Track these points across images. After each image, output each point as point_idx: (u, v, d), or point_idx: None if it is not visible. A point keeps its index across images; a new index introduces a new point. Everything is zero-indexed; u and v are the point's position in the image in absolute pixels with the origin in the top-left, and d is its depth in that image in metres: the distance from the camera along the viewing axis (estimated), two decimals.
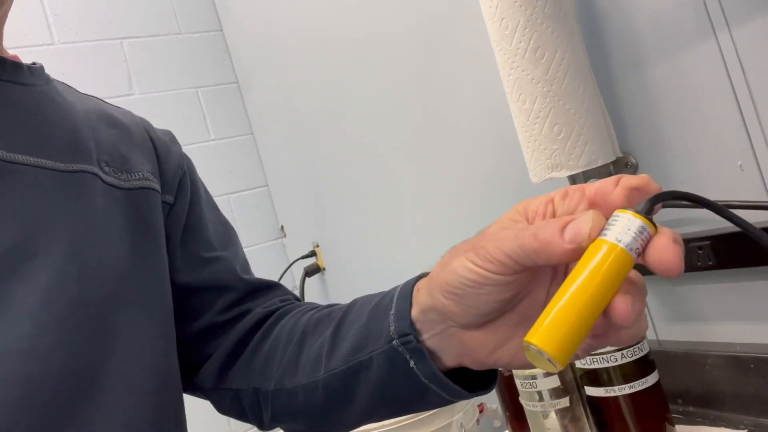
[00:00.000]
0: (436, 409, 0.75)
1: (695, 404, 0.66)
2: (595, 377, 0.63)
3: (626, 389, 0.61)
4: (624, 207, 0.29)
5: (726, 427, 0.62)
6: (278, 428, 0.53)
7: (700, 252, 0.62)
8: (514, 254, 0.31)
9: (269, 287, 0.59)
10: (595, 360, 0.62)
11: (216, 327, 0.55)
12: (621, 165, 0.69)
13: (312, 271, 1.61)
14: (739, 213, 0.33)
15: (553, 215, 0.33)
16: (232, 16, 1.75)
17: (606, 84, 0.69)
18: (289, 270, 1.67)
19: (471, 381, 0.41)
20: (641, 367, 0.61)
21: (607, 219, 0.29)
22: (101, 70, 1.64)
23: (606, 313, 0.28)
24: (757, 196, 0.58)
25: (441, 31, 0.93)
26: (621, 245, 0.28)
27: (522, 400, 0.70)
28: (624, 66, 0.67)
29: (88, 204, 0.46)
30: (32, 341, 0.39)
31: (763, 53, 0.56)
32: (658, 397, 0.62)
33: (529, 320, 0.29)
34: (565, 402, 0.66)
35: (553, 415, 0.67)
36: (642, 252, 0.28)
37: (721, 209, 0.32)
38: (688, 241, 0.63)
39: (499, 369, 0.48)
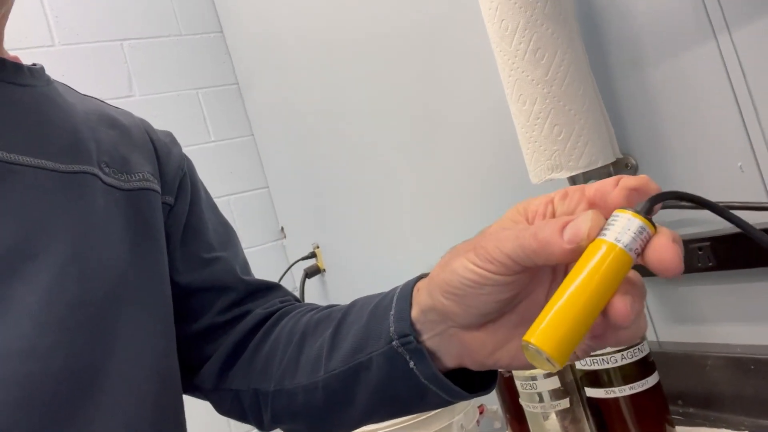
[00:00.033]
0: (436, 410, 0.75)
1: (695, 405, 0.66)
2: (596, 378, 0.63)
3: (626, 390, 0.61)
4: (623, 207, 0.29)
5: (726, 428, 0.61)
6: (278, 429, 0.53)
7: (700, 253, 0.62)
8: (514, 254, 0.31)
9: (269, 288, 0.59)
10: (595, 361, 0.62)
11: (216, 328, 0.55)
12: (621, 166, 0.69)
13: (312, 272, 1.61)
14: (739, 214, 0.33)
15: (553, 215, 0.33)
16: (233, 18, 1.75)
17: (606, 85, 0.69)
18: (289, 271, 1.67)
19: (471, 382, 0.41)
20: (641, 368, 0.61)
21: (607, 219, 0.29)
22: (101, 71, 1.65)
23: (605, 313, 0.28)
24: (757, 197, 0.58)
25: (441, 31, 0.93)
26: (620, 245, 0.28)
27: (522, 402, 0.70)
28: (624, 67, 0.67)
29: (89, 205, 0.46)
30: (32, 341, 0.39)
31: (763, 53, 0.56)
32: (659, 398, 0.62)
33: (528, 321, 0.29)
34: (565, 403, 0.66)
35: (553, 416, 0.67)
36: (641, 252, 0.28)
37: (721, 210, 0.32)
38: (688, 242, 0.63)
39: (499, 370, 0.48)
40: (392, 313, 0.40)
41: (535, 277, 0.34)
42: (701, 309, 0.67)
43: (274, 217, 1.84)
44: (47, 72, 0.52)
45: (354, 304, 0.47)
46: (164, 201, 0.55)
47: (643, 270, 0.30)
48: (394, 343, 0.39)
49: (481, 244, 0.32)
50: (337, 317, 0.46)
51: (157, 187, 0.54)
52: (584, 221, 0.29)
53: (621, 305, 0.28)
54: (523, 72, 0.64)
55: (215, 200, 0.64)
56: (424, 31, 0.96)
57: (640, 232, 0.28)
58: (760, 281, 0.61)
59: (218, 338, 0.55)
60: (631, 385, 0.61)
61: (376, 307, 0.42)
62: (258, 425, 0.54)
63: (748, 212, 0.55)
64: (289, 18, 1.38)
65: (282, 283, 0.62)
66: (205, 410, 0.58)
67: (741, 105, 0.58)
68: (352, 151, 1.29)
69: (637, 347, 0.61)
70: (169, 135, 0.61)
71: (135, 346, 0.45)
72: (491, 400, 0.85)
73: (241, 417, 0.55)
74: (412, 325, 0.38)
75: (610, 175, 0.69)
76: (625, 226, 0.28)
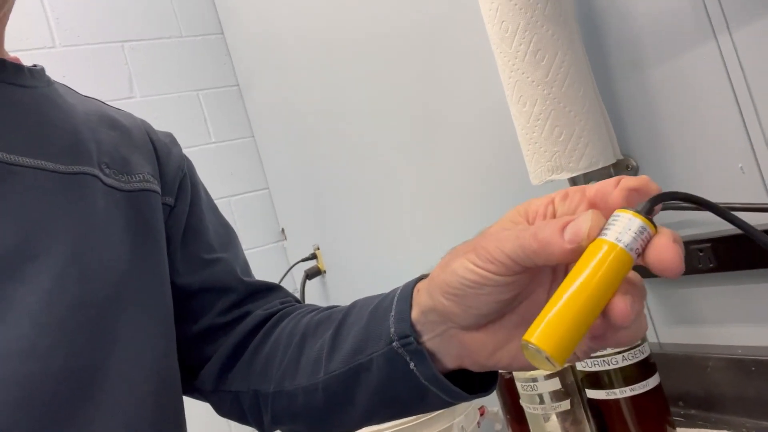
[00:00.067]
0: (437, 412, 0.75)
1: (696, 407, 0.66)
2: (596, 380, 0.63)
3: (627, 392, 0.61)
4: (624, 207, 0.29)
5: (727, 430, 0.61)
6: (278, 430, 0.53)
7: (700, 254, 0.62)
8: (514, 255, 0.31)
9: (269, 289, 0.59)
10: (596, 363, 0.62)
11: (216, 329, 0.55)
12: (622, 167, 0.69)
13: (313, 273, 1.61)
14: (740, 215, 0.33)
15: (554, 216, 0.33)
16: (233, 19, 1.76)
17: (606, 86, 0.69)
18: (289, 273, 1.67)
19: (471, 383, 0.41)
20: (642, 369, 0.61)
21: (607, 220, 0.29)
22: (102, 72, 1.65)
23: (605, 313, 0.28)
24: (758, 198, 0.58)
25: (441, 31, 0.93)
26: (621, 245, 0.28)
27: (523, 403, 0.70)
28: (624, 68, 0.67)
29: (89, 206, 0.46)
30: (32, 342, 0.39)
31: (764, 54, 0.56)
32: (660, 399, 0.62)
33: (529, 322, 0.29)
34: (566, 405, 0.66)
35: (554, 417, 0.67)
36: (642, 252, 0.28)
37: (722, 211, 0.32)
38: (688, 244, 0.63)
39: (500, 371, 0.48)
40: (392, 314, 0.39)
41: (535, 277, 0.34)
42: (702, 310, 0.67)
43: (274, 219, 1.84)
44: (48, 73, 0.52)
45: (354, 305, 0.47)
46: (164, 202, 0.55)
47: (644, 271, 0.30)
48: (394, 344, 0.39)
49: (482, 244, 0.32)
50: (337, 318, 0.46)
51: (158, 188, 0.54)
52: (584, 221, 0.29)
53: (621, 305, 0.27)
54: (523, 73, 0.64)
55: (216, 201, 0.63)
56: (424, 31, 0.96)
57: (641, 232, 0.28)
58: (761, 282, 0.61)
59: (218, 339, 0.55)
60: (632, 386, 0.61)
61: (377, 308, 0.42)
62: (258, 427, 0.54)
63: (749, 213, 0.55)
64: (290, 19, 1.39)
65: (282, 284, 0.62)
66: (205, 410, 0.58)
67: (741, 106, 0.58)
68: (353, 152, 1.29)
69: (637, 348, 0.61)
70: (170, 136, 0.61)
71: (135, 346, 0.45)
72: (492, 402, 0.85)
73: (241, 418, 0.55)
74: (412, 326, 0.38)
75: (610, 177, 0.69)
76: (625, 225, 0.28)
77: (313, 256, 1.63)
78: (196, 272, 0.55)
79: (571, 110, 0.64)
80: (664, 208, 0.30)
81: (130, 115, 0.59)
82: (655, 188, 0.30)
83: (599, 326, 0.29)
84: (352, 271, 1.46)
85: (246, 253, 0.63)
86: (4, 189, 0.42)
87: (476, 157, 0.92)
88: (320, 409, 0.46)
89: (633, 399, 0.61)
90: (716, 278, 0.64)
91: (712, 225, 0.62)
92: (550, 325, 0.27)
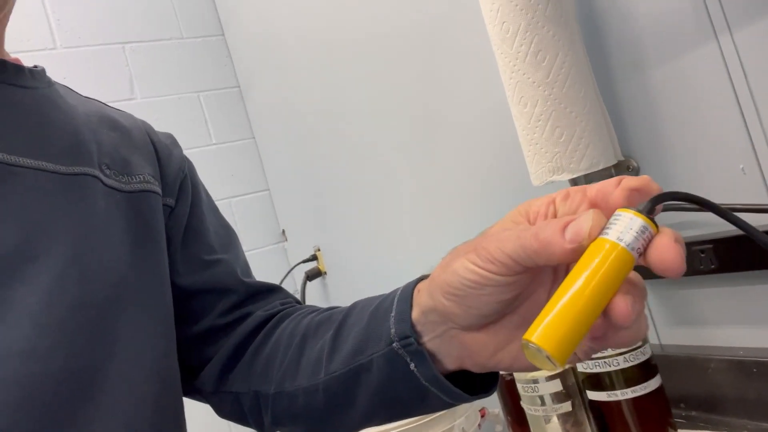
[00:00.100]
0: (438, 413, 0.75)
1: (698, 409, 0.66)
2: (598, 381, 0.63)
3: (629, 393, 0.61)
4: (625, 207, 0.29)
5: (729, 431, 0.61)
6: (278, 431, 0.53)
7: (702, 255, 0.62)
8: (515, 254, 0.31)
9: (270, 290, 0.59)
10: (597, 364, 0.62)
11: (216, 330, 0.55)
12: (623, 168, 0.69)
13: (313, 275, 1.61)
14: (741, 216, 0.32)
15: (555, 216, 0.33)
16: (234, 21, 1.76)
17: (607, 87, 0.69)
18: (290, 274, 1.67)
19: (472, 384, 0.41)
20: (643, 371, 0.61)
21: (609, 219, 0.29)
22: (103, 74, 1.65)
23: (606, 313, 0.28)
24: (759, 199, 0.58)
25: (441, 30, 0.93)
26: (622, 244, 0.28)
27: (524, 405, 0.70)
28: (625, 69, 0.67)
29: (89, 207, 0.46)
30: (32, 342, 0.39)
31: (765, 54, 0.55)
32: (661, 401, 0.62)
33: (530, 323, 0.29)
34: (567, 406, 0.66)
35: (555, 419, 0.67)
36: (643, 252, 0.28)
37: (723, 212, 0.32)
38: (690, 245, 0.62)
39: (501, 373, 0.47)
40: (393, 314, 0.39)
41: (536, 278, 0.34)
42: (703, 312, 0.67)
43: (275, 220, 1.84)
44: (49, 75, 0.52)
45: (355, 306, 0.46)
46: (165, 203, 0.55)
47: (645, 272, 0.30)
48: (394, 344, 0.39)
49: (482, 244, 0.32)
50: (337, 319, 0.46)
51: (158, 189, 0.54)
52: (585, 220, 0.29)
53: (622, 304, 0.27)
54: (524, 74, 0.64)
55: (216, 203, 0.63)
56: (425, 31, 0.96)
57: (643, 232, 0.28)
58: (762, 284, 0.61)
59: (218, 340, 0.54)
60: (634, 388, 0.60)
61: (377, 308, 0.42)
62: (258, 428, 0.53)
63: (751, 214, 0.55)
64: (290, 19, 1.39)
65: (283, 286, 0.62)
66: (205, 411, 0.58)
67: (743, 106, 0.58)
68: (353, 154, 1.29)
69: (639, 350, 0.61)
70: (170, 137, 0.61)
71: (135, 347, 0.45)
72: (493, 403, 0.85)
73: (241, 420, 0.54)
74: (412, 326, 0.38)
75: (611, 178, 0.69)
76: (627, 225, 0.28)
77: (314, 258, 1.62)
78: (196, 273, 0.55)
79: (572, 111, 0.64)
80: (665, 209, 0.30)
81: (131, 116, 0.59)
82: (657, 188, 0.30)
83: (600, 326, 0.29)
84: (353, 272, 1.46)
85: (246, 254, 0.63)
86: (4, 190, 0.42)
87: (476, 158, 0.92)
88: (320, 410, 0.46)
89: (634, 400, 0.61)
90: (718, 279, 0.64)
91: (713, 226, 0.62)
92: (551, 324, 0.27)
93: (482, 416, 0.86)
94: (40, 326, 0.39)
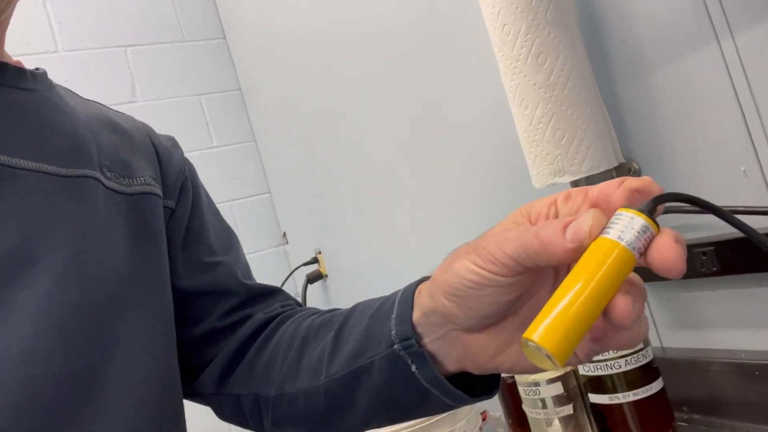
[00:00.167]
0: (439, 416, 0.75)
1: (700, 412, 0.66)
2: (599, 384, 0.62)
3: (630, 396, 0.60)
4: (626, 206, 0.29)
5: None
6: None
7: (704, 258, 0.62)
8: (516, 255, 0.31)
9: (270, 292, 0.59)
10: (599, 367, 0.62)
11: (216, 332, 0.55)
12: (624, 170, 0.69)
13: (314, 277, 1.61)
14: (743, 218, 0.32)
15: (557, 217, 0.33)
16: (236, 24, 1.76)
17: (608, 89, 0.69)
18: (291, 277, 1.67)
19: (473, 386, 0.41)
20: (645, 374, 0.61)
21: (610, 219, 0.29)
22: (105, 77, 1.65)
23: (606, 312, 0.28)
24: (761, 201, 0.58)
25: (441, 30, 0.93)
26: (623, 243, 0.27)
27: (525, 408, 0.69)
28: (626, 71, 0.67)
29: (90, 209, 0.46)
30: (33, 344, 0.39)
31: (766, 56, 0.55)
32: (663, 404, 0.61)
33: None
34: (568, 409, 0.66)
35: (556, 422, 0.66)
36: (644, 252, 0.28)
37: (725, 214, 0.31)
38: (691, 247, 0.62)
39: (502, 375, 0.47)
40: (394, 316, 0.39)
41: (537, 279, 0.34)
42: (705, 314, 0.67)
43: (276, 223, 1.84)
44: (50, 78, 0.52)
45: (355, 307, 0.46)
46: (165, 205, 0.55)
47: (647, 275, 0.30)
48: (395, 346, 0.39)
49: (483, 245, 0.32)
50: (338, 321, 0.46)
51: (159, 191, 0.54)
52: (586, 220, 0.29)
53: (623, 304, 0.27)
54: (525, 76, 0.64)
55: (217, 206, 0.63)
56: (425, 31, 0.96)
57: (644, 231, 0.28)
58: (764, 286, 0.60)
59: (219, 343, 0.54)
60: (635, 391, 0.60)
61: (378, 310, 0.42)
62: (258, 430, 0.53)
63: (752, 217, 0.54)
64: (293, 23, 1.39)
65: (284, 289, 0.62)
66: (206, 412, 0.58)
67: (744, 109, 0.58)
68: (353, 155, 1.29)
69: (640, 353, 0.61)
70: (171, 139, 0.61)
71: (135, 347, 0.45)
72: (494, 407, 0.84)
73: (242, 422, 0.54)
74: (413, 327, 0.38)
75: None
76: (628, 224, 0.28)
77: (315, 260, 1.62)
78: (196, 275, 0.55)
79: (573, 113, 0.64)
80: (666, 211, 0.30)
81: (132, 119, 0.59)
82: (658, 189, 0.30)
83: (600, 327, 0.29)
84: (354, 274, 1.46)
85: (248, 257, 0.63)
86: (5, 192, 0.42)
87: (477, 158, 0.92)
88: (321, 412, 0.46)
89: (636, 403, 0.61)
90: (719, 282, 0.64)
91: (715, 228, 0.62)
92: (551, 323, 0.27)
93: (483, 419, 0.86)
94: (40, 328, 0.39)
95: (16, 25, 0.51)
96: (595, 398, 0.63)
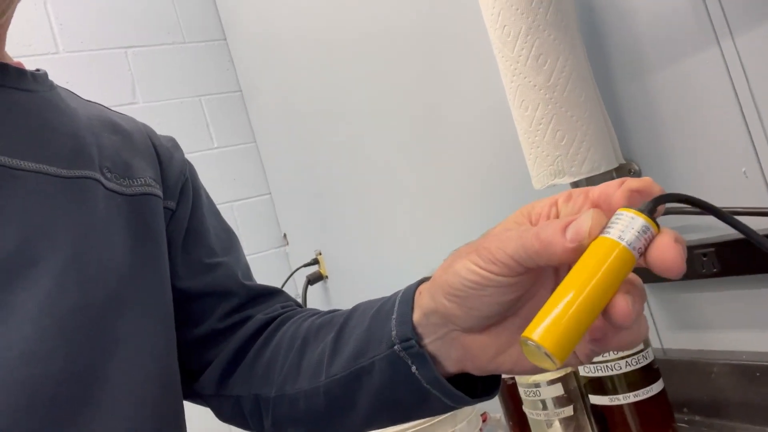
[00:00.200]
0: (439, 417, 0.75)
1: (700, 413, 0.66)
2: (600, 386, 0.62)
3: (631, 398, 0.60)
4: (627, 206, 0.29)
5: None
6: None
7: (704, 259, 0.62)
8: (516, 255, 0.31)
9: (271, 293, 0.59)
10: (599, 368, 0.62)
11: (217, 333, 0.55)
12: (624, 172, 0.69)
13: (315, 279, 1.61)
14: (743, 219, 0.32)
15: (557, 217, 0.33)
16: (236, 26, 1.76)
17: (608, 90, 0.69)
18: (291, 278, 1.67)
19: (473, 387, 0.41)
20: (646, 375, 0.61)
21: (610, 219, 0.29)
22: (105, 78, 1.66)
23: (606, 312, 0.28)
24: (761, 202, 0.58)
25: (441, 30, 0.93)
26: (623, 243, 0.27)
27: (525, 409, 0.69)
28: (626, 72, 0.67)
29: (90, 210, 0.46)
30: (33, 345, 0.39)
31: (766, 56, 0.55)
32: (664, 405, 0.61)
33: None
34: (569, 411, 0.66)
35: (557, 424, 0.66)
36: (644, 252, 0.28)
37: (725, 215, 0.31)
38: (692, 248, 0.62)
39: (503, 377, 0.47)
40: (394, 317, 0.39)
41: (538, 279, 0.34)
42: (706, 316, 0.67)
43: (276, 224, 1.84)
44: (51, 79, 0.52)
45: (356, 308, 0.46)
46: (166, 206, 0.55)
47: (647, 276, 0.30)
48: (395, 347, 0.39)
49: (484, 245, 0.32)
50: (338, 322, 0.46)
51: (159, 192, 0.54)
52: (585, 220, 0.29)
53: (623, 303, 0.27)
54: (525, 78, 0.65)
55: (218, 207, 0.63)
56: (425, 31, 0.96)
57: (644, 231, 0.28)
58: (765, 287, 0.60)
59: (219, 344, 0.54)
60: (636, 392, 0.60)
61: (378, 311, 0.42)
62: (259, 431, 0.53)
63: (753, 218, 0.54)
64: (293, 24, 1.39)
65: (284, 290, 0.62)
66: (206, 413, 0.58)
67: (744, 110, 0.58)
68: (353, 156, 1.29)
69: (641, 354, 0.61)
70: (172, 140, 0.61)
71: (135, 348, 0.45)
72: (494, 408, 0.84)
73: (242, 423, 0.54)
74: (414, 328, 0.38)
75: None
76: (628, 224, 0.28)
77: (315, 262, 1.62)
78: (197, 276, 0.55)
79: (573, 114, 0.64)
80: (667, 212, 0.30)
81: (132, 120, 0.59)
82: (659, 190, 0.30)
83: (600, 327, 0.29)
84: (354, 275, 1.46)
85: (248, 258, 0.63)
86: (5, 193, 0.42)
87: (477, 158, 0.92)
88: (322, 413, 0.46)
89: (637, 405, 0.60)
90: (720, 283, 0.64)
91: (715, 230, 0.62)
92: (551, 321, 0.27)
93: (484, 421, 0.86)
94: (40, 328, 0.39)
95: (16, 26, 0.51)
96: (595, 399, 0.63)
